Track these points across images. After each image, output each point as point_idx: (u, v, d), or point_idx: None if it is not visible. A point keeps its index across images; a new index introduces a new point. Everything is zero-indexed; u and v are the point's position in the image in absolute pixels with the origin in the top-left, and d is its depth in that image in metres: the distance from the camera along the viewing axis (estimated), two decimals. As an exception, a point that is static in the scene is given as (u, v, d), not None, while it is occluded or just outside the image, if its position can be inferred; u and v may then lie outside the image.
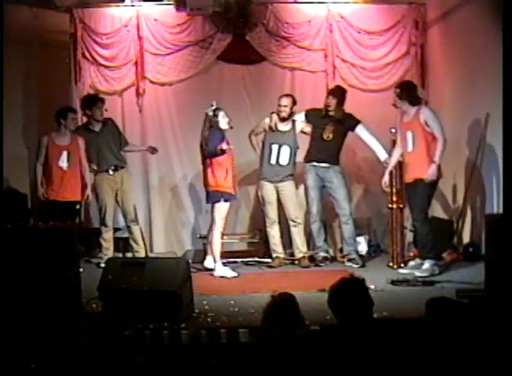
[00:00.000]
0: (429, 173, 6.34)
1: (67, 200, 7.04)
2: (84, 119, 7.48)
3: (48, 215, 6.71)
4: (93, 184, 7.25)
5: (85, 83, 7.83)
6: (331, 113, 7.06)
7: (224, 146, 6.56)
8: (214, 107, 6.74)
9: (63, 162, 7.03)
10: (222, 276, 6.63)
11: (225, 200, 6.71)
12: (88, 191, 7.22)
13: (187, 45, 7.91)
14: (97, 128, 7.23)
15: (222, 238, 7.23)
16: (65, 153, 7.03)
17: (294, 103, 7.14)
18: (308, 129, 7.26)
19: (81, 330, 4.60)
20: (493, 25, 6.08)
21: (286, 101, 7.12)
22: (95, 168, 7.23)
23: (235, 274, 6.66)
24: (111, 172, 7.20)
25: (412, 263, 6.73)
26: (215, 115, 6.72)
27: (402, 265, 6.83)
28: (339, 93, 7.14)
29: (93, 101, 7.22)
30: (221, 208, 6.72)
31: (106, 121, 7.27)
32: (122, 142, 7.38)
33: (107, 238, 7.24)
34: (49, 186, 7.01)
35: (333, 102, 7.06)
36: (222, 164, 6.67)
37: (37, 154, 7.04)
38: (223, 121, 6.72)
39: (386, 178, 6.80)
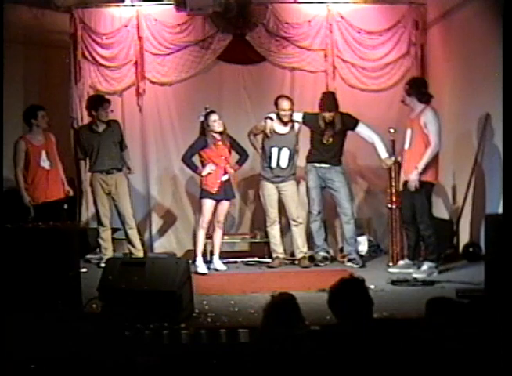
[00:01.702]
0: (410, 179, 6.34)
1: (55, 200, 7.01)
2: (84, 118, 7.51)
3: (39, 218, 6.59)
4: (90, 183, 7.26)
5: (85, 83, 7.84)
6: (331, 123, 7.02)
7: (204, 172, 6.85)
8: (206, 111, 6.85)
9: (45, 162, 6.98)
10: (197, 273, 6.69)
11: (202, 197, 6.90)
12: (67, 187, 7.22)
13: (187, 45, 7.91)
14: (100, 128, 7.19)
15: (222, 238, 7.29)
16: (44, 153, 6.98)
17: (292, 103, 7.11)
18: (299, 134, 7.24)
19: (81, 330, 4.60)
20: (493, 25, 6.08)
21: (287, 104, 7.02)
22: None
23: (206, 271, 6.81)
24: (104, 174, 7.18)
25: (401, 263, 6.74)
26: (206, 119, 6.82)
27: (390, 264, 6.84)
28: (333, 103, 7.02)
29: (99, 102, 7.16)
30: (202, 204, 6.92)
31: (110, 123, 7.24)
32: (123, 146, 7.37)
33: (105, 238, 7.23)
34: (36, 189, 6.95)
35: (330, 115, 6.98)
36: (204, 161, 6.88)
37: (16, 160, 6.87)
38: (215, 125, 6.82)
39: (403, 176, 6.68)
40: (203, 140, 6.87)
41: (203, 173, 6.88)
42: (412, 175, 6.32)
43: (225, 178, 6.90)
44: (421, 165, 6.30)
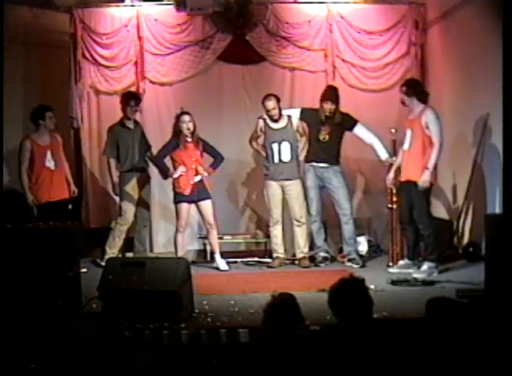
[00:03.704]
0: (422, 180, 6.34)
1: (58, 200, 7.02)
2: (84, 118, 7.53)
3: (42, 218, 6.58)
4: (118, 181, 7.21)
5: (85, 83, 7.85)
6: (330, 117, 7.03)
7: (175, 174, 6.86)
8: (181, 111, 6.91)
9: (50, 162, 7.00)
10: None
11: (176, 202, 6.96)
12: (73, 187, 7.24)
13: (187, 45, 7.92)
14: (131, 125, 7.25)
15: (222, 238, 7.29)
16: (49, 153, 7.00)
17: (278, 100, 7.09)
18: (300, 129, 7.24)
19: (81, 330, 4.60)
20: (493, 25, 6.08)
21: (272, 103, 7.00)
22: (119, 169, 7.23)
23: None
24: (136, 172, 7.21)
25: (401, 263, 6.74)
26: (179, 119, 6.88)
27: (390, 264, 6.84)
28: (335, 96, 7.07)
29: (128, 98, 7.23)
30: (177, 209, 6.98)
31: (137, 121, 7.36)
32: (147, 146, 7.40)
33: (120, 234, 7.16)
34: (39, 188, 6.95)
35: (333, 107, 7.02)
36: (176, 163, 6.93)
37: (21, 159, 6.89)
38: (188, 125, 6.85)
39: (391, 174, 6.76)
40: (175, 141, 6.93)
41: (175, 175, 6.89)
42: (424, 176, 6.32)
43: (197, 179, 6.93)
44: (431, 165, 6.31)
